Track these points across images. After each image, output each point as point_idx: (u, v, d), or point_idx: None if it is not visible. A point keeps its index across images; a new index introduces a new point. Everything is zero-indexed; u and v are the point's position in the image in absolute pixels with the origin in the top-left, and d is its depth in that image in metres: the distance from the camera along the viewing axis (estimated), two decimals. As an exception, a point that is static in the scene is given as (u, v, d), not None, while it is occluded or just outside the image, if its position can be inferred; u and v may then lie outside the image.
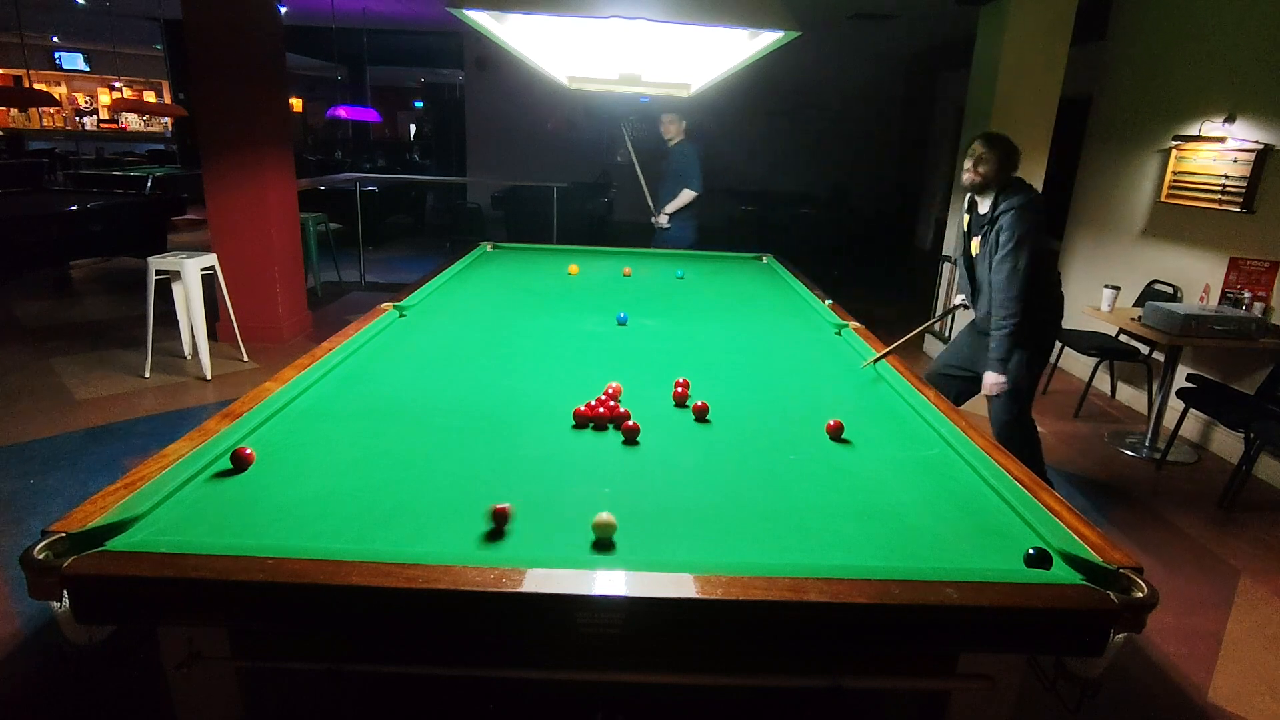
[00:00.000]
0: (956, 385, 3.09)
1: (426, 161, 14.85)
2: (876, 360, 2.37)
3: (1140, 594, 1.12)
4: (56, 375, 4.26)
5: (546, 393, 1.99)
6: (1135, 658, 2.32)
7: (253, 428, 1.64)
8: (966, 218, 2.99)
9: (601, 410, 1.80)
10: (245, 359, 4.61)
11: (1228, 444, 3.92)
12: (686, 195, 4.80)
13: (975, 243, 2.91)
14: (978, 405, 3.18)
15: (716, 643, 1.18)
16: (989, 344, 2.80)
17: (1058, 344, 4.68)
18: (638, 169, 5.30)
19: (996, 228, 2.78)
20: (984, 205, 2.88)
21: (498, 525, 1.30)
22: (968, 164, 2.84)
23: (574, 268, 3.73)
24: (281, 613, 1.15)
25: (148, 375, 4.26)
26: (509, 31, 1.87)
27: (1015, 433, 2.93)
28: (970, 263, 2.98)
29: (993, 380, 2.82)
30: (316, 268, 6.44)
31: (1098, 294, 4.27)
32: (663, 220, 4.92)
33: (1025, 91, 4.89)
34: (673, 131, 4.81)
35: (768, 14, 1.46)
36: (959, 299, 3.17)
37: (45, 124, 13.73)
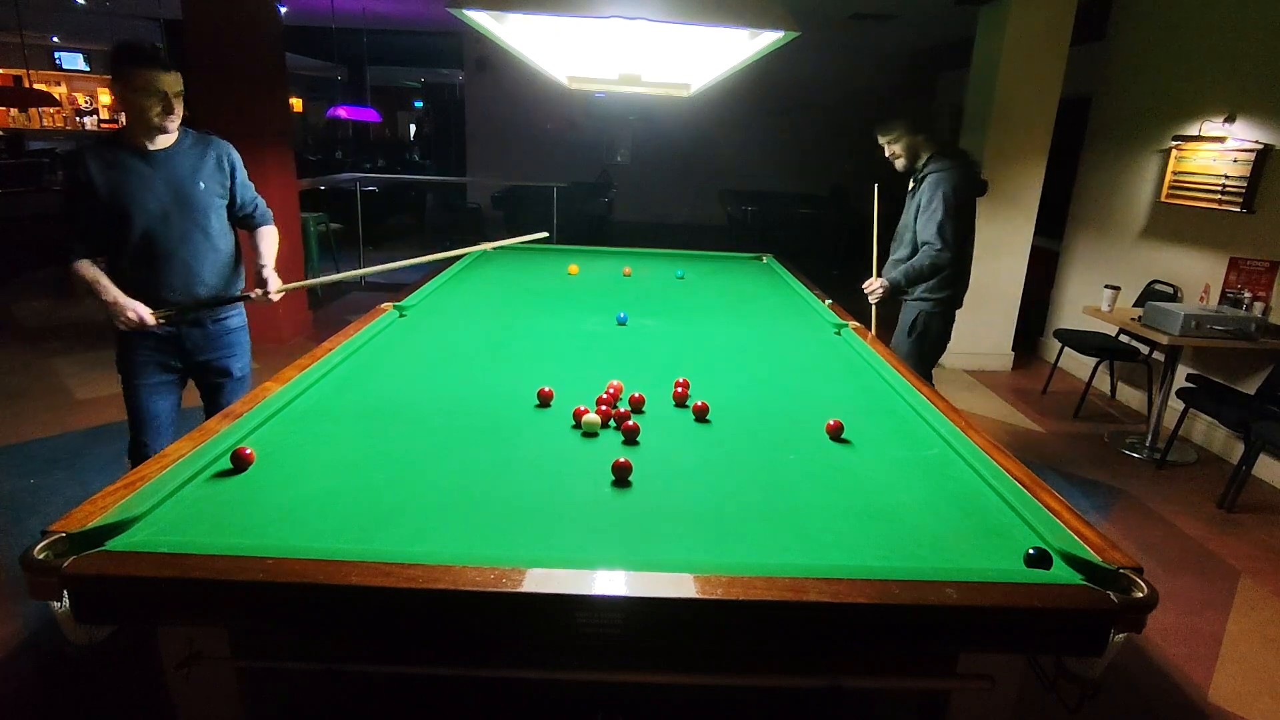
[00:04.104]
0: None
1: (426, 161, 14.85)
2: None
3: (1140, 594, 1.12)
4: (56, 375, 4.26)
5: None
6: (1135, 658, 2.32)
7: (253, 428, 1.64)
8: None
9: (604, 407, 1.80)
10: (245, 359, 4.60)
11: (1228, 444, 3.92)
12: None
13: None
14: (976, 405, 3.17)
15: (716, 643, 1.18)
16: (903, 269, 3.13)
17: (1057, 344, 4.70)
18: None
19: (921, 187, 3.07)
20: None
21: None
22: (889, 156, 3.18)
23: (574, 268, 3.73)
24: (281, 613, 1.15)
25: (148, 375, 4.25)
26: (509, 31, 1.87)
27: None
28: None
29: (879, 283, 3.13)
30: (317, 268, 6.44)
31: (1098, 294, 4.26)
32: None
33: (1025, 91, 4.89)
34: None
35: (768, 14, 1.46)
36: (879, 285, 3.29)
37: (45, 124, 13.71)
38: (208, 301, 2.33)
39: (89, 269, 2.20)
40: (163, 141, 2.23)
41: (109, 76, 2.15)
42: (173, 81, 2.14)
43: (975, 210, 3.19)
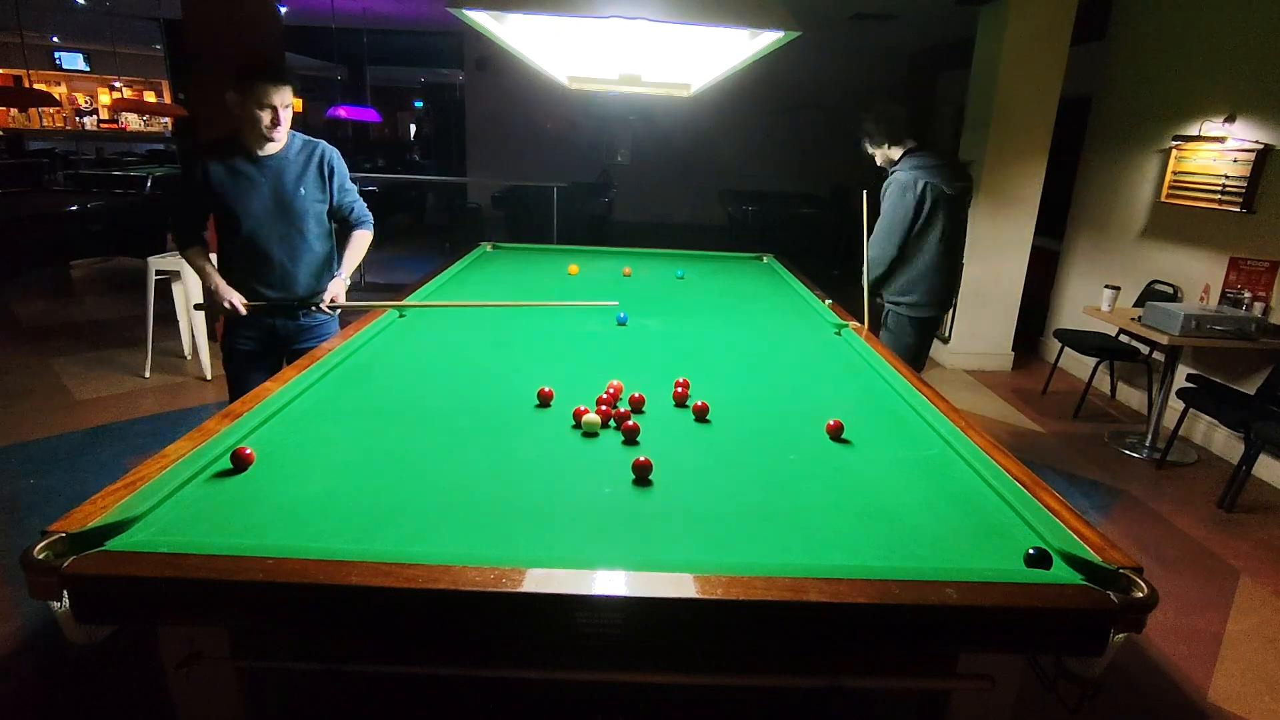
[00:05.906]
0: None
1: (426, 161, 14.84)
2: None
3: (1140, 594, 1.12)
4: (56, 375, 4.26)
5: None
6: (1135, 658, 2.32)
7: (253, 428, 1.64)
8: None
9: (604, 407, 1.80)
10: (245, 359, 4.60)
11: (1228, 444, 3.92)
12: None
13: None
14: (976, 405, 3.17)
15: (716, 643, 1.18)
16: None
17: (1058, 343, 4.70)
18: None
19: (883, 189, 3.13)
20: None
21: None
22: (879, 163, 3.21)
23: (574, 268, 3.73)
24: (281, 613, 1.15)
25: (148, 375, 4.26)
26: (509, 31, 1.87)
27: None
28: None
29: None
30: (316, 268, 6.43)
31: (1098, 294, 4.27)
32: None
33: (1025, 91, 4.89)
34: None
35: (768, 14, 1.46)
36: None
37: (45, 124, 13.71)
38: (286, 304, 2.51)
39: (197, 258, 2.48)
40: (271, 148, 2.40)
41: (232, 86, 2.31)
42: (283, 95, 2.31)
43: (942, 208, 2.98)
